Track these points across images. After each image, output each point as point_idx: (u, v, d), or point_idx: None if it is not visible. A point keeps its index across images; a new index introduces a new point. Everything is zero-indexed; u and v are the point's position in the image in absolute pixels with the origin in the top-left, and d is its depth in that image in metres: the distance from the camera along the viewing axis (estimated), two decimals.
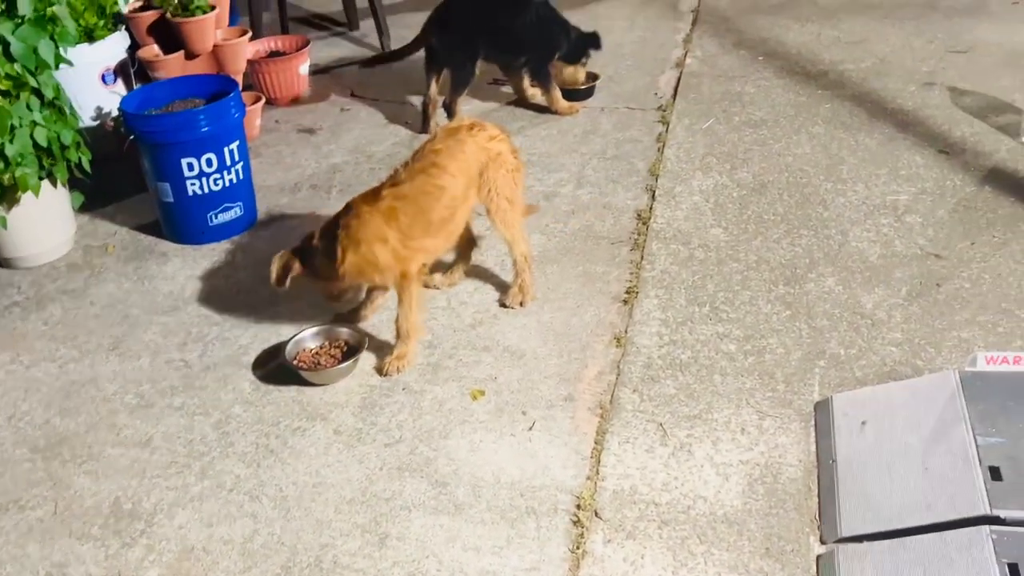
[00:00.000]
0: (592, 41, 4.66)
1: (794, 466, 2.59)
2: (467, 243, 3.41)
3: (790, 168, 4.00)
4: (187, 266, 3.70)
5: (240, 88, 3.98)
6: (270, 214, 4.02)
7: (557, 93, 4.63)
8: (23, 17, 3.46)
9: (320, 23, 6.19)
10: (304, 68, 5.03)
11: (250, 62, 4.82)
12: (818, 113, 4.47)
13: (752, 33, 5.43)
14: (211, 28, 4.51)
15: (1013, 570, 2.04)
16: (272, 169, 4.37)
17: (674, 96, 4.74)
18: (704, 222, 3.68)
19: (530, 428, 2.79)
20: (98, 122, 4.35)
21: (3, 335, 3.38)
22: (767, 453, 2.64)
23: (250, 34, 4.79)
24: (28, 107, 3.47)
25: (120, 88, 4.44)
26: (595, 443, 2.72)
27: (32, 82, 3.48)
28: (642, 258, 3.49)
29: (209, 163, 3.71)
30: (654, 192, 3.90)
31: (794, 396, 2.83)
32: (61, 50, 3.63)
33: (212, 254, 3.77)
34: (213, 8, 4.50)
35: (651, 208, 3.79)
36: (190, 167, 3.69)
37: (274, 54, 5.05)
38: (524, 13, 4.53)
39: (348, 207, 3.04)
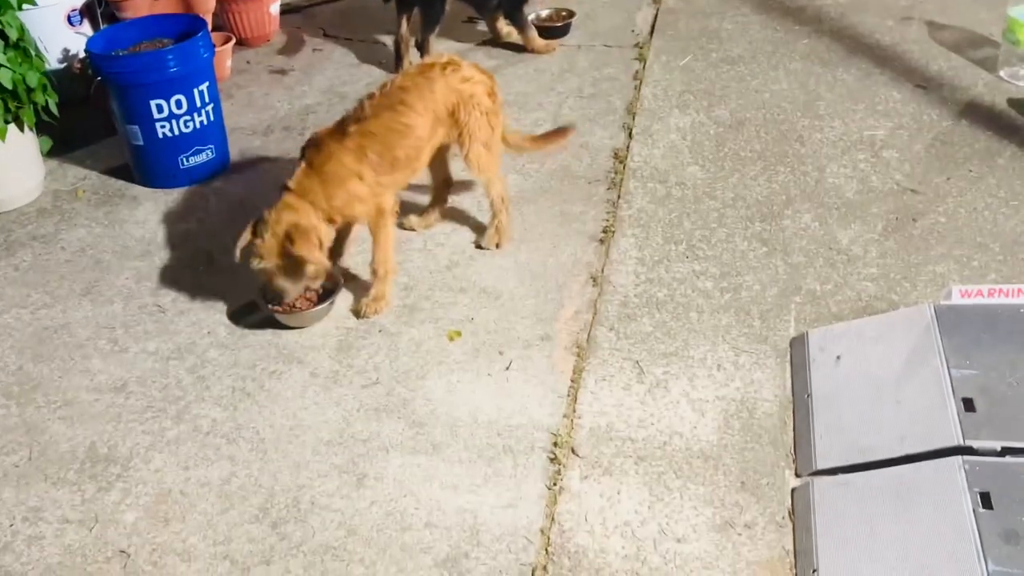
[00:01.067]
0: None
1: (770, 401, 2.61)
2: (442, 184, 3.38)
3: (767, 105, 3.98)
4: (158, 210, 3.66)
5: (209, 28, 3.90)
6: (243, 157, 3.97)
7: (532, 32, 4.56)
8: None
9: None
10: (275, 8, 4.93)
11: (220, 1, 4.71)
12: (796, 49, 4.43)
13: None
14: None
15: (985, 499, 2.07)
16: (244, 111, 4.30)
17: (651, 33, 4.69)
18: (681, 160, 3.66)
19: (507, 368, 2.79)
20: (65, 64, 4.26)
21: None
22: (743, 389, 2.65)
23: None
24: None
25: (87, 29, 4.34)
26: (572, 382, 2.72)
27: None
28: (619, 197, 3.47)
29: (179, 104, 3.65)
30: (631, 130, 3.87)
31: (770, 332, 2.84)
32: None
33: (184, 198, 3.72)
34: None
35: (628, 147, 3.76)
36: (159, 109, 3.62)
37: None
38: None
39: (315, 142, 2.96)
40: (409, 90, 3.02)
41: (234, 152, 3.97)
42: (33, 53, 3.60)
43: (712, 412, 2.58)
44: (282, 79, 4.58)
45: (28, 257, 3.44)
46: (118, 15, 4.42)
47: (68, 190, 3.82)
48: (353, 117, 2.99)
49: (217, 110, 3.82)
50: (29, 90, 3.55)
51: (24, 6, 3.58)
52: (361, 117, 2.97)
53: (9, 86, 3.43)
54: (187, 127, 3.70)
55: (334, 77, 4.56)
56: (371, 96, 3.04)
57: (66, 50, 4.27)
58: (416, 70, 3.12)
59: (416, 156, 3.04)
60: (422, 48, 4.49)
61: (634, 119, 3.94)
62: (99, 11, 4.46)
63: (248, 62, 4.75)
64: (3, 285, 3.31)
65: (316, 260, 2.87)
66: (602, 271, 3.13)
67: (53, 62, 4.15)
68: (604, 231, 3.31)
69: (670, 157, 3.68)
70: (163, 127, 3.66)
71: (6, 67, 3.43)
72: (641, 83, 4.22)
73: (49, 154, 3.87)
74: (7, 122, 3.50)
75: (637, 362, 2.77)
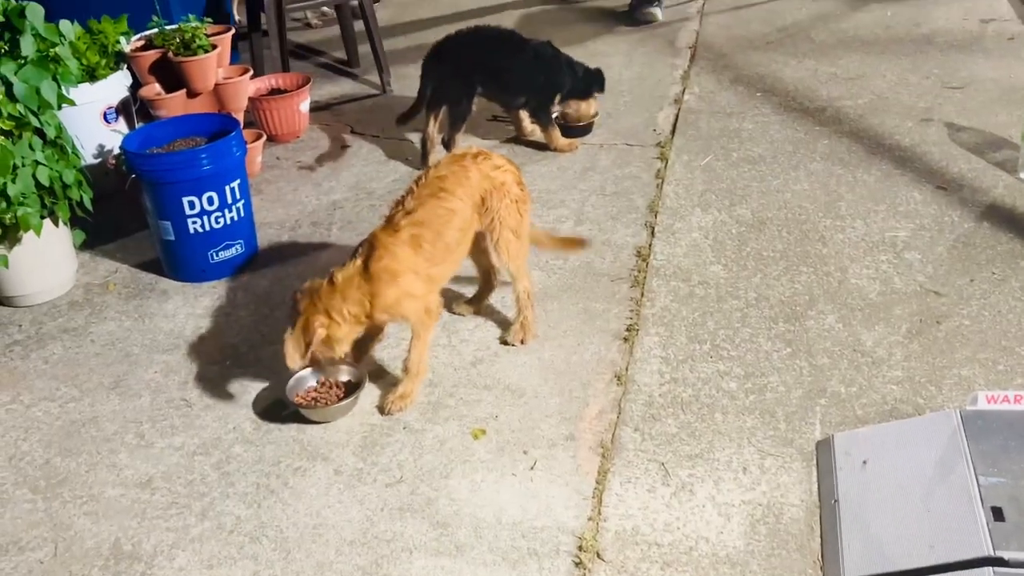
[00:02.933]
0: (597, 78, 4.69)
1: (796, 506, 2.59)
2: (487, 271, 3.44)
3: (789, 205, 4.03)
4: (188, 304, 3.71)
5: (241, 126, 4.01)
6: (271, 251, 4.04)
7: (556, 131, 4.66)
8: (26, 57, 3.49)
9: (320, 61, 6.25)
10: (305, 105, 5.06)
11: (251, 99, 4.85)
12: (816, 149, 4.50)
13: (749, 69, 5.49)
14: (213, 67, 4.55)
15: None
16: (273, 206, 4.39)
17: (672, 132, 4.78)
18: (704, 259, 3.69)
19: (532, 467, 2.79)
20: (99, 160, 4.38)
21: (3, 374, 3.38)
22: (769, 493, 2.63)
23: (251, 72, 4.83)
24: (30, 147, 3.48)
25: (122, 126, 4.47)
26: (597, 483, 2.71)
27: (34, 122, 3.50)
28: (642, 295, 3.50)
29: (210, 201, 3.73)
30: (653, 229, 3.92)
31: (795, 435, 2.83)
32: (64, 90, 3.66)
33: (213, 292, 3.78)
34: (215, 47, 4.55)
35: (651, 245, 3.81)
36: (191, 205, 3.71)
37: (275, 91, 5.08)
38: (521, 53, 4.57)
39: (369, 243, 3.00)
40: (447, 178, 3.10)
41: (263, 246, 4.04)
42: (70, 150, 3.70)
43: (738, 517, 2.56)
44: (310, 175, 4.68)
45: (58, 350, 3.49)
46: (153, 113, 4.56)
47: (99, 283, 3.89)
48: (400, 211, 3.05)
49: (247, 206, 3.90)
50: (65, 186, 3.64)
51: (63, 105, 3.69)
52: (408, 209, 3.03)
53: (46, 183, 3.53)
54: (218, 223, 3.78)
55: (361, 173, 4.66)
56: (411, 190, 3.11)
57: (101, 146, 4.38)
58: (449, 159, 3.22)
59: (460, 241, 3.11)
60: (448, 145, 4.59)
61: (656, 217, 4.00)
62: (134, 109, 4.59)
63: (278, 158, 4.86)
64: (33, 378, 3.35)
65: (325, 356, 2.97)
66: (626, 370, 3.14)
67: (88, 157, 4.26)
68: (628, 329, 3.33)
69: (692, 256, 3.72)
70: (194, 223, 3.74)
71: (44, 165, 3.52)
72: (663, 182, 4.28)
73: (81, 247, 3.95)
74: (42, 218, 3.58)
75: (662, 464, 2.76)
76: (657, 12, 6.33)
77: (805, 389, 3.00)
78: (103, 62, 4.41)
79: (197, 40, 4.49)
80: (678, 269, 3.64)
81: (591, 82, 4.69)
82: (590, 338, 3.31)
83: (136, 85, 4.61)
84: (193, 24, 4.53)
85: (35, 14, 3.55)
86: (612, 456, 2.80)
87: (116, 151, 4.32)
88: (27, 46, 3.51)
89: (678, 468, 2.74)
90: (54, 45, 3.67)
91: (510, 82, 4.60)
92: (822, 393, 2.97)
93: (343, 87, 5.78)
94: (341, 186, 4.54)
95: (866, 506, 2.50)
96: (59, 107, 3.62)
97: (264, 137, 4.74)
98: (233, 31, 4.84)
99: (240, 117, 4.67)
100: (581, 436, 2.88)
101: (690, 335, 3.28)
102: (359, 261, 2.96)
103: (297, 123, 5.04)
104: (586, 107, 4.74)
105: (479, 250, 3.33)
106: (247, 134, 4.45)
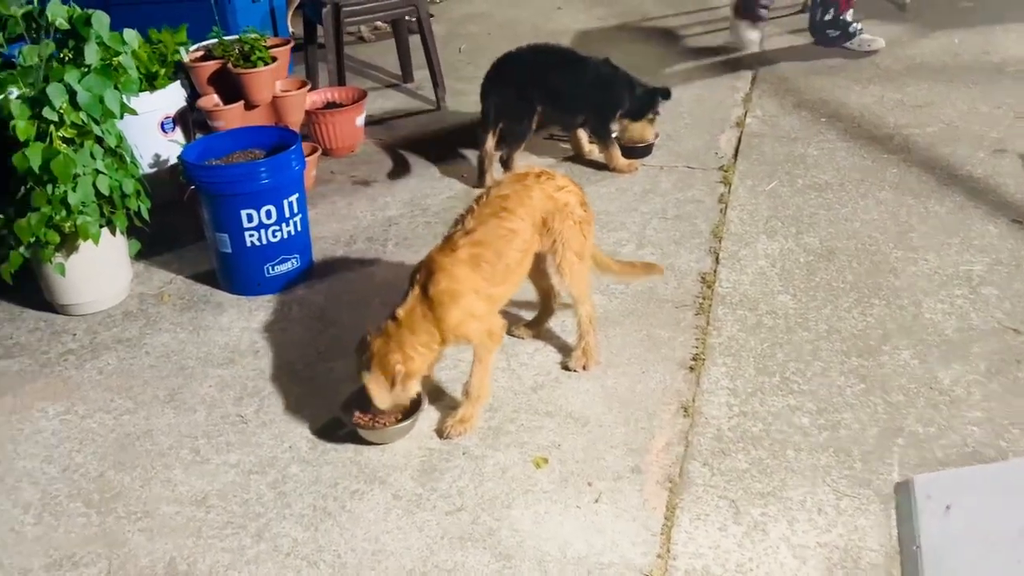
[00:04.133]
0: (661, 94, 4.60)
1: (875, 551, 2.48)
2: (546, 294, 3.38)
3: (858, 234, 3.91)
4: (242, 318, 3.66)
5: (302, 142, 3.97)
6: (326, 266, 3.99)
7: (616, 151, 4.59)
8: (89, 66, 3.47)
9: (373, 74, 6.22)
10: (360, 120, 5.02)
11: (307, 113, 4.82)
12: (885, 178, 4.38)
13: (812, 94, 5.38)
14: (271, 80, 4.53)
15: None
16: (327, 220, 4.34)
17: (735, 156, 4.68)
18: (771, 288, 3.59)
19: (596, 500, 2.70)
20: (156, 169, 4.36)
21: (58, 383, 3.35)
22: (846, 536, 2.53)
23: (309, 86, 4.80)
24: (91, 155, 3.46)
25: (179, 136, 4.45)
26: (665, 519, 2.62)
27: (96, 130, 3.48)
28: (708, 323, 3.41)
29: (268, 215, 3.69)
30: (718, 255, 3.83)
31: (872, 475, 2.72)
32: (125, 99, 3.63)
33: (267, 306, 3.73)
34: (274, 60, 4.52)
35: (715, 271, 3.72)
36: (249, 218, 3.66)
37: (330, 105, 5.05)
38: (581, 72, 4.51)
39: (427, 265, 2.94)
40: (509, 197, 3.04)
41: (317, 260, 3.99)
42: (129, 159, 3.68)
43: (814, 560, 2.46)
44: (365, 190, 4.64)
45: (113, 361, 3.45)
46: (210, 124, 4.54)
47: (154, 294, 3.86)
48: (460, 231, 2.99)
49: (304, 220, 3.85)
50: (124, 196, 3.61)
51: (124, 114, 3.66)
52: (468, 229, 2.97)
53: (106, 192, 3.50)
54: (275, 236, 3.73)
55: (416, 189, 4.61)
56: (471, 210, 3.06)
57: (157, 155, 4.37)
58: (512, 179, 3.16)
59: (521, 262, 3.05)
60: (507, 164, 4.54)
61: (720, 243, 3.90)
62: (191, 119, 4.58)
63: (332, 172, 4.82)
64: (88, 388, 3.31)
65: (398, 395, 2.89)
66: (693, 401, 3.04)
67: (145, 167, 4.24)
68: (694, 359, 3.24)
69: (759, 284, 3.62)
70: (252, 236, 3.69)
71: (104, 174, 3.50)
72: (726, 207, 4.19)
73: (136, 256, 3.92)
74: (101, 227, 3.56)
75: (733, 501, 2.66)
76: (755, 37, 5.99)
77: (881, 427, 2.88)
78: (162, 71, 4.40)
79: (257, 52, 4.47)
80: (744, 297, 3.54)
81: (652, 100, 4.60)
82: (654, 366, 3.22)
83: (194, 95, 4.60)
84: (253, 36, 4.52)
85: (100, 22, 3.54)
86: (680, 491, 2.70)
87: (172, 160, 4.30)
88: (91, 54, 3.49)
89: (750, 506, 2.64)
90: (117, 54, 3.65)
91: (569, 100, 4.54)
92: (899, 432, 2.86)
93: (396, 101, 5.75)
94: (396, 202, 4.49)
95: (950, 554, 2.39)
96: (121, 117, 3.59)
97: (319, 151, 4.70)
98: (292, 44, 4.82)
99: (297, 130, 4.63)
100: (648, 469, 2.79)
101: (759, 367, 3.18)
102: (417, 289, 2.90)
103: (353, 137, 5.00)
104: (639, 129, 4.64)
105: (539, 272, 3.25)
106: (303, 147, 4.41)
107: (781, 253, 3.82)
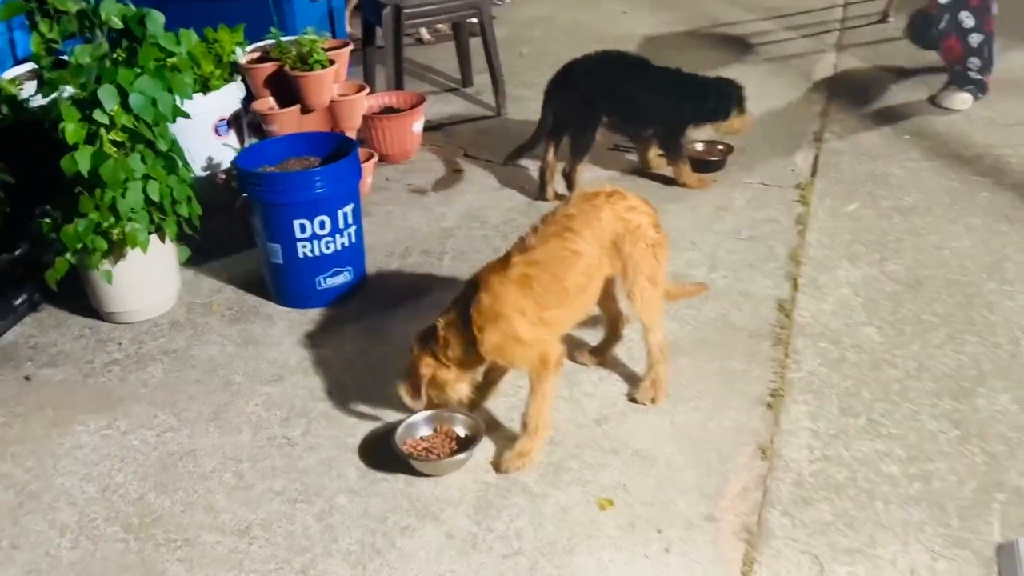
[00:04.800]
0: (737, 90, 4.37)
1: None
2: (614, 320, 3.19)
3: (948, 263, 3.65)
4: (292, 332, 3.51)
5: (358, 148, 3.80)
6: (379, 279, 3.82)
7: (686, 165, 4.37)
8: (143, 67, 3.34)
9: (431, 78, 6.06)
10: (418, 126, 4.86)
11: (364, 117, 4.66)
12: (975, 202, 4.10)
13: (894, 109, 5.10)
14: (329, 83, 4.38)
15: None
16: (382, 230, 4.18)
17: (813, 174, 4.43)
18: (855, 319, 3.35)
19: (666, 550, 2.49)
20: (208, 173, 4.23)
21: (101, 395, 3.22)
22: None
23: (367, 90, 4.64)
24: (142, 160, 3.33)
25: (232, 139, 4.32)
26: (742, 574, 2.40)
27: (148, 134, 3.34)
28: (786, 356, 3.18)
29: (322, 225, 3.53)
30: (796, 281, 3.59)
31: (971, 534, 2.47)
32: (178, 102, 3.49)
33: (319, 320, 3.57)
34: (332, 63, 4.37)
35: (794, 299, 3.48)
36: (302, 229, 3.51)
37: (387, 110, 4.89)
38: (651, 81, 4.30)
39: (474, 281, 2.81)
40: (575, 217, 2.86)
41: (371, 272, 3.83)
42: (180, 164, 3.54)
43: None
44: (421, 199, 4.47)
45: (158, 373, 3.31)
46: (265, 127, 4.41)
47: (203, 303, 3.72)
48: (518, 248, 2.83)
49: (359, 232, 3.69)
50: (174, 202, 3.48)
51: (178, 118, 3.53)
52: (526, 247, 2.81)
53: (156, 199, 3.37)
54: (328, 248, 3.57)
55: (473, 200, 4.43)
56: (535, 227, 2.88)
57: (210, 159, 4.24)
58: (580, 198, 2.97)
59: (585, 287, 2.86)
60: (569, 176, 4.34)
61: (799, 268, 3.66)
62: (245, 122, 4.45)
63: (388, 179, 4.66)
64: (131, 403, 3.17)
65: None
66: (771, 442, 2.82)
67: (197, 170, 4.10)
68: (772, 395, 3.01)
69: (842, 314, 3.38)
70: (304, 247, 3.54)
71: (154, 179, 3.36)
72: (805, 228, 3.95)
73: (185, 263, 3.78)
74: (150, 234, 3.42)
75: (816, 557, 2.43)
76: (969, 98, 5.09)
77: (979, 480, 2.64)
78: (217, 72, 4.27)
79: (315, 55, 4.32)
80: (826, 328, 3.31)
81: (730, 95, 4.35)
82: (729, 402, 3.00)
83: (249, 97, 4.46)
84: (311, 37, 4.37)
85: (155, 22, 3.41)
86: (758, 543, 2.48)
87: (225, 164, 4.17)
88: (145, 55, 3.36)
89: (835, 564, 2.41)
90: (171, 55, 3.52)
91: (638, 111, 4.33)
92: (999, 487, 2.61)
93: (455, 107, 5.58)
94: (453, 213, 4.32)
95: None
96: (173, 120, 3.45)
97: (375, 157, 4.54)
98: (351, 46, 4.67)
99: (353, 135, 4.48)
100: (722, 517, 2.57)
101: (842, 406, 2.95)
102: (460, 304, 2.78)
103: (409, 144, 4.84)
104: (729, 124, 4.40)
105: (607, 296, 3.07)
106: (359, 154, 4.26)
107: (864, 281, 3.57)
